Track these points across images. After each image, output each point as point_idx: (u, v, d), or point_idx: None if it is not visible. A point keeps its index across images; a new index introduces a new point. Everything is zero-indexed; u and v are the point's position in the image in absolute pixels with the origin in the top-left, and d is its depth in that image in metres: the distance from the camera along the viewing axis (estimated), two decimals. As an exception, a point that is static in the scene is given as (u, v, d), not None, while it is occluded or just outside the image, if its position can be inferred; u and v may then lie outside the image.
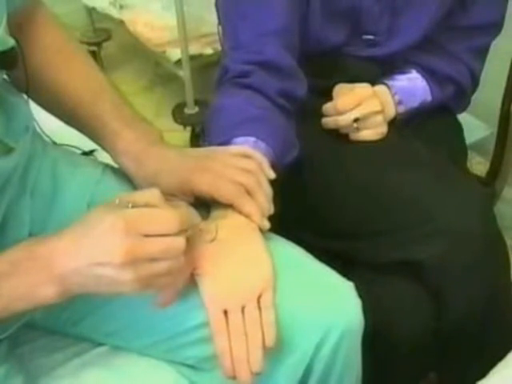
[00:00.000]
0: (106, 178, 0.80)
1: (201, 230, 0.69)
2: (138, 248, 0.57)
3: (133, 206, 0.59)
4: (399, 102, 1.00)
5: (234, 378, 0.65)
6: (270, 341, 0.65)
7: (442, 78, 1.03)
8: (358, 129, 0.97)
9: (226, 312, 0.66)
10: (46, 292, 0.59)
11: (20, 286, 0.59)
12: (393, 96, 1.00)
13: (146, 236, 0.57)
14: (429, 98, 1.03)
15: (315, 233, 0.95)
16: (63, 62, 0.80)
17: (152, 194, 0.62)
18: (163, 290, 0.67)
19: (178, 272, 0.62)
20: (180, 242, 0.60)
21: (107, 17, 2.15)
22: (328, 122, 0.99)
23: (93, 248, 0.57)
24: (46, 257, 0.59)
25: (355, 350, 0.74)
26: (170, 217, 0.60)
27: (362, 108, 0.96)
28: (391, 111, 1.00)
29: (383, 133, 0.99)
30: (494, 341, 0.93)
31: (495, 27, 1.05)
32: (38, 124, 0.79)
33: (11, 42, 0.65)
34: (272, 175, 0.77)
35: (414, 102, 1.02)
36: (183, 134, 1.94)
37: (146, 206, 0.60)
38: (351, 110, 0.96)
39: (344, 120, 0.96)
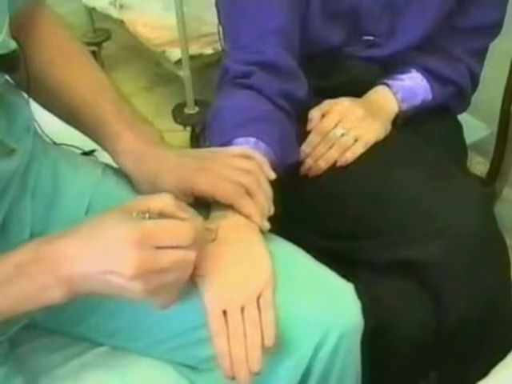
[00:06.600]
0: (106, 178, 0.80)
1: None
2: (151, 261, 0.56)
3: (149, 217, 0.59)
4: (401, 100, 1.00)
5: (233, 378, 0.65)
6: (269, 340, 0.65)
7: (441, 78, 1.03)
8: (356, 140, 0.94)
9: (225, 312, 0.66)
10: (54, 294, 0.59)
11: (27, 288, 0.58)
12: (394, 94, 1.00)
13: (159, 248, 0.57)
14: (430, 96, 1.03)
15: (315, 233, 0.95)
16: (65, 61, 0.79)
17: (166, 202, 0.61)
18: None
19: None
20: (192, 255, 0.60)
21: (107, 17, 2.15)
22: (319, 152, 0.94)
23: (105, 256, 0.57)
24: (53, 258, 0.58)
25: (354, 351, 0.74)
26: (184, 230, 0.59)
27: (345, 121, 0.94)
28: (394, 108, 1.00)
29: (387, 128, 0.98)
30: (494, 341, 0.93)
31: (495, 28, 1.05)
32: (38, 124, 0.79)
33: (13, 45, 0.65)
34: (272, 176, 0.76)
35: (416, 100, 1.02)
36: (183, 134, 1.94)
37: (161, 214, 0.60)
38: (335, 127, 0.94)
39: (331, 140, 0.93)
